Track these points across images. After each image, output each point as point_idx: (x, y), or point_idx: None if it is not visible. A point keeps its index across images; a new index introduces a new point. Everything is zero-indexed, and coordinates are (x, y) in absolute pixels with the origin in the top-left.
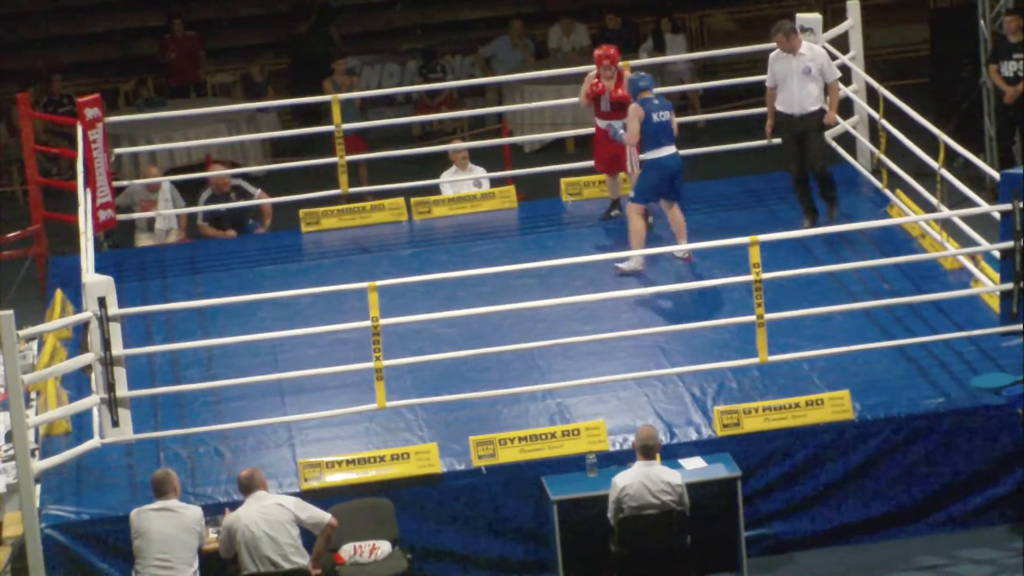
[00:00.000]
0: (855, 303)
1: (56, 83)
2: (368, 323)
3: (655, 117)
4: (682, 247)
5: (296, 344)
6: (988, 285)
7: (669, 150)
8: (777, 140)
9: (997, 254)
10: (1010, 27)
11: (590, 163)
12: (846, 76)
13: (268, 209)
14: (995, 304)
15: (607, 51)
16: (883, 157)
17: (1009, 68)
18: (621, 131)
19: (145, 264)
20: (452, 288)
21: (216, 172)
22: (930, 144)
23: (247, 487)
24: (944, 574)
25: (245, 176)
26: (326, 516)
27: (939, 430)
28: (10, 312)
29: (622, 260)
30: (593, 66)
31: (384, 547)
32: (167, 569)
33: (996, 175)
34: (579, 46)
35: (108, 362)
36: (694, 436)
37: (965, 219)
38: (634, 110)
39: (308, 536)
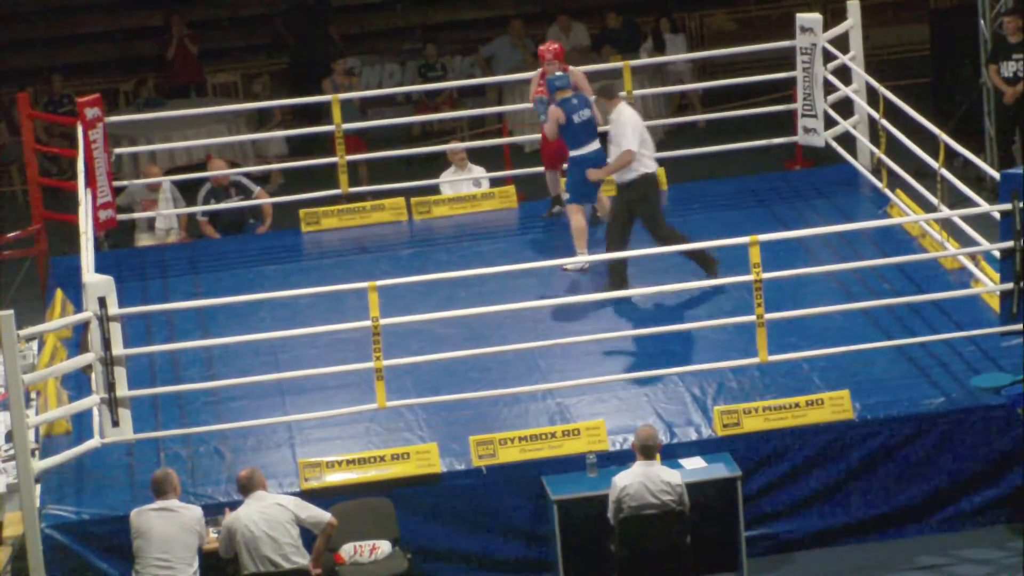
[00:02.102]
0: (855, 303)
1: (56, 83)
2: (368, 323)
3: (575, 118)
4: (575, 260)
5: (296, 344)
6: (988, 285)
7: (593, 147)
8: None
9: (997, 254)
10: (1009, 27)
11: None
12: (846, 76)
13: (268, 209)
14: (995, 304)
15: (549, 46)
16: (883, 157)
17: (1008, 68)
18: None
19: (145, 264)
20: (452, 288)
21: (218, 172)
22: (930, 144)
23: (247, 487)
24: (944, 574)
25: (246, 175)
26: (326, 516)
27: (939, 430)
28: (10, 312)
29: (570, 262)
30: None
31: (384, 547)
32: (167, 569)
33: (996, 175)
34: (578, 46)
35: (108, 362)
36: (694, 436)
37: (965, 219)
38: (552, 112)
39: (308, 536)
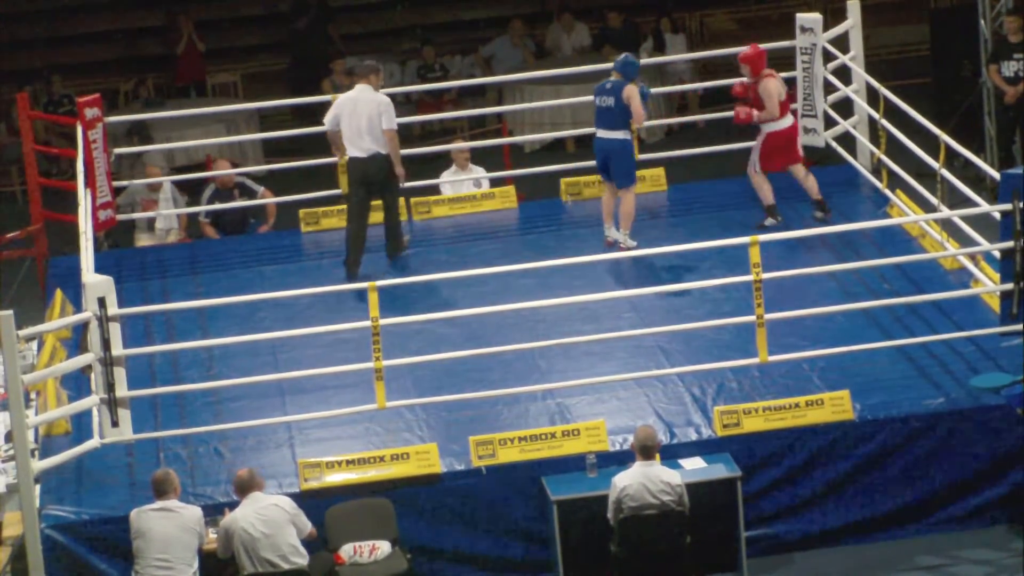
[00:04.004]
0: (855, 303)
1: (56, 83)
2: (368, 323)
3: (598, 101)
4: (627, 243)
5: (296, 344)
6: (988, 285)
7: (600, 132)
8: None
9: (997, 254)
10: (1010, 27)
11: (590, 163)
12: (846, 76)
13: (272, 208)
14: (995, 304)
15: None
16: (883, 157)
17: (1009, 68)
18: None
19: (145, 264)
20: (452, 288)
21: (222, 172)
22: (930, 144)
23: (243, 488)
24: (944, 574)
25: (247, 175)
26: (309, 525)
27: (939, 430)
28: (10, 312)
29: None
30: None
31: (384, 547)
32: (167, 569)
33: (996, 175)
34: (579, 46)
35: (108, 362)
36: (694, 436)
37: (965, 219)
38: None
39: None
